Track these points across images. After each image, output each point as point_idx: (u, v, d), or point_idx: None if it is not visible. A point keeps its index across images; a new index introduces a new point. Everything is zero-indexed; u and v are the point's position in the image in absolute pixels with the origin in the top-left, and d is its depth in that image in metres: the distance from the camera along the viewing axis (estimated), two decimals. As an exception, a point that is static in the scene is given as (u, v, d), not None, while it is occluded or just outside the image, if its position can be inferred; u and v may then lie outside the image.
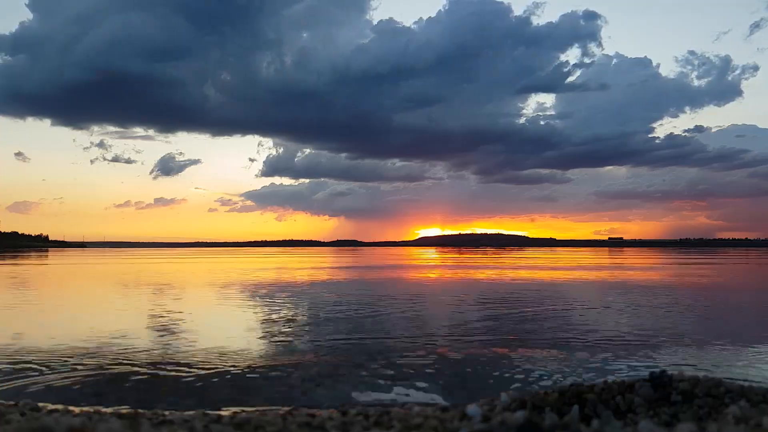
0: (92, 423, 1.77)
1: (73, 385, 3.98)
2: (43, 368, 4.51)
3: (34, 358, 4.93)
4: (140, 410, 2.18)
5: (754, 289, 13.59)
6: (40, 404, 2.75)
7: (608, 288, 12.85)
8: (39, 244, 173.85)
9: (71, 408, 2.64)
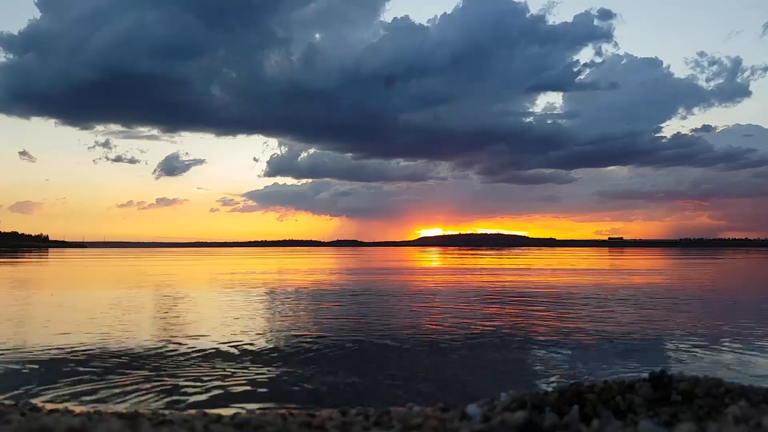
0: (92, 423, 1.77)
1: (73, 384, 3.98)
2: (44, 368, 4.51)
3: (34, 358, 4.93)
4: (140, 410, 2.18)
5: (752, 289, 13.59)
6: (40, 404, 2.75)
7: (607, 288, 12.85)
8: (39, 244, 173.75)
9: (71, 408, 2.64)
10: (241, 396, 3.73)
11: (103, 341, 5.76)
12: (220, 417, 1.94)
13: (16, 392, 3.74)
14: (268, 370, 4.48)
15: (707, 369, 4.53)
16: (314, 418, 1.87)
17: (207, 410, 2.09)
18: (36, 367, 4.56)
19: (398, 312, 8.33)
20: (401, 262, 33.04)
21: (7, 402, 2.76)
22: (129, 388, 3.89)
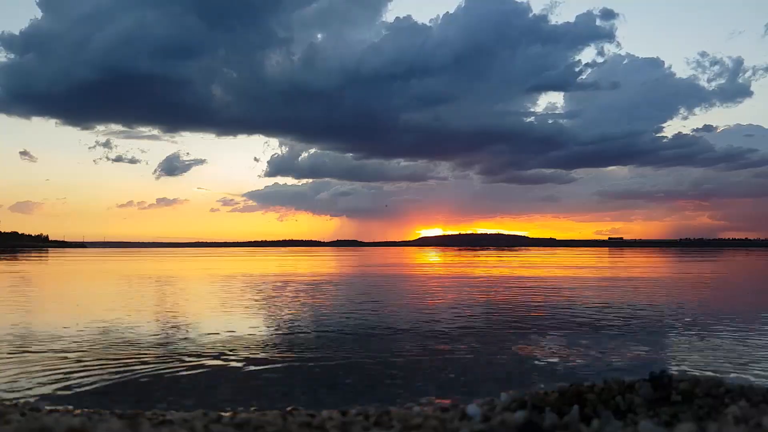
0: (92, 423, 1.77)
1: (73, 384, 3.98)
2: (43, 368, 4.51)
3: (34, 357, 4.93)
4: (140, 410, 2.18)
5: (752, 289, 13.59)
6: (40, 404, 2.75)
7: (606, 288, 12.85)
8: (39, 244, 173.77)
9: (71, 408, 2.63)
10: (241, 396, 3.73)
11: (108, 341, 5.76)
12: (220, 417, 1.94)
13: (17, 392, 3.74)
14: (268, 370, 4.48)
15: (707, 369, 4.52)
16: (314, 418, 1.87)
17: (207, 410, 2.09)
18: (37, 366, 4.56)
19: (398, 311, 8.33)
20: (401, 262, 33.04)
21: (7, 402, 2.76)
22: (130, 388, 3.89)
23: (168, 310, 8.58)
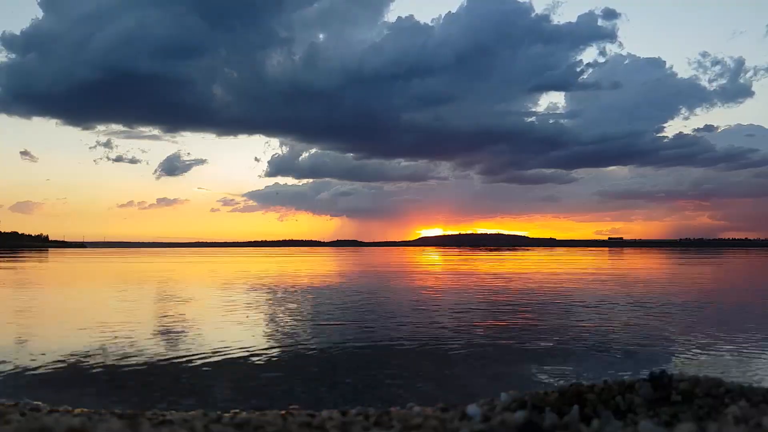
0: (92, 423, 1.77)
1: (74, 384, 3.98)
2: (44, 368, 4.51)
3: (35, 357, 4.93)
4: (140, 410, 2.18)
5: (751, 289, 13.58)
6: (40, 404, 2.75)
7: (607, 289, 12.85)
8: (38, 244, 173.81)
9: (71, 408, 2.63)
10: (241, 396, 3.73)
11: (108, 342, 5.76)
12: (220, 417, 1.94)
13: (16, 392, 3.74)
14: (269, 370, 4.48)
15: (707, 369, 4.52)
16: (314, 418, 1.87)
17: (207, 410, 2.09)
18: (37, 366, 4.56)
19: (398, 312, 8.33)
20: (401, 262, 33.03)
21: (7, 402, 2.76)
22: (129, 388, 3.89)
23: (168, 310, 8.57)
